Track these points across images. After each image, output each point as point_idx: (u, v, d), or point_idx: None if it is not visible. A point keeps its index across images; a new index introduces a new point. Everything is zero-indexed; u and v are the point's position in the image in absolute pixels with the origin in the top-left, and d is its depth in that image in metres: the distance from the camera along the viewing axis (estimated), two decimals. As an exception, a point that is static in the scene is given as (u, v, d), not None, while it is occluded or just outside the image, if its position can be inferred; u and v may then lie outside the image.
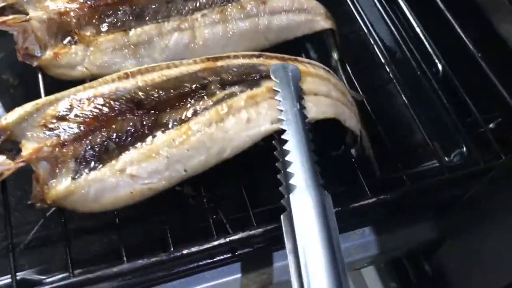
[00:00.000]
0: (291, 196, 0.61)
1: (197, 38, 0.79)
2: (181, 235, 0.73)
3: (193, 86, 0.69)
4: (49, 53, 0.75)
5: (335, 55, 0.88)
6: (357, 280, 1.01)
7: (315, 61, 0.79)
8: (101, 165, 0.63)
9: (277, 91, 0.68)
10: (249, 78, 0.70)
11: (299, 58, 0.78)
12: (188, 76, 0.70)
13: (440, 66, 0.97)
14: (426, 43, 0.97)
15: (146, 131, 0.65)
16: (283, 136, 0.65)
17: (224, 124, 0.66)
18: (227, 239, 0.66)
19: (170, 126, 0.65)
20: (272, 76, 0.70)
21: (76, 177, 0.62)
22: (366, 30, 0.94)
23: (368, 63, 0.97)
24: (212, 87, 0.69)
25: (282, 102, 0.67)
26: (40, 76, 0.76)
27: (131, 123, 0.65)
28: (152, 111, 0.66)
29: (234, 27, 0.80)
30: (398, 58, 1.00)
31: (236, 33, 0.81)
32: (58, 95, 0.67)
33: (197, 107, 0.67)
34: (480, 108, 0.87)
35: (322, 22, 0.86)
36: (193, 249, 0.65)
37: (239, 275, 0.75)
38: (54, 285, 0.61)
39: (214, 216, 0.77)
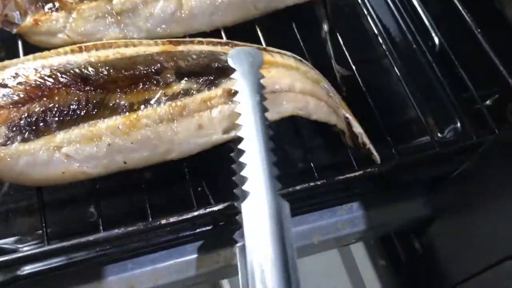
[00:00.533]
0: (243, 205, 0.57)
1: (183, 6, 0.77)
2: (163, 207, 0.73)
3: (147, 70, 0.66)
4: (29, 20, 0.73)
5: (325, 27, 0.85)
6: (346, 256, 1.00)
7: (286, 51, 0.76)
8: (36, 138, 0.60)
9: (235, 91, 0.65)
10: (207, 71, 0.67)
11: (268, 48, 0.75)
12: (143, 58, 0.67)
13: (436, 40, 0.94)
14: (423, 15, 0.95)
15: (91, 111, 0.62)
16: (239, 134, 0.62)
17: (175, 125, 0.63)
18: (208, 210, 0.65)
19: (118, 111, 0.63)
20: (230, 63, 0.66)
21: (7, 143, 0.59)
22: (360, 1, 0.91)
23: (361, 36, 0.94)
24: (168, 75, 0.66)
25: (239, 95, 0.64)
26: (20, 43, 0.74)
27: (76, 99, 0.62)
28: (100, 90, 0.63)
29: (222, -6, 0.78)
30: (393, 30, 0.97)
31: (224, 1, 0.78)
32: (6, 62, 0.65)
33: (150, 97, 0.64)
34: (477, 84, 0.85)
35: (313, -10, 0.83)
36: (172, 219, 0.64)
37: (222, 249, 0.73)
38: (28, 252, 0.60)
39: (199, 189, 0.76)
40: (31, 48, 0.74)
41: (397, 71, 0.83)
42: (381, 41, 0.87)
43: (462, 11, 0.85)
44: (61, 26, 0.73)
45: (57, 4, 0.74)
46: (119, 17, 0.75)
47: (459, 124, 0.88)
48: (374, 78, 0.91)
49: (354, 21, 0.97)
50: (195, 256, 0.73)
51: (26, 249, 0.66)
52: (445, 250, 0.83)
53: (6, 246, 0.69)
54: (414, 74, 0.92)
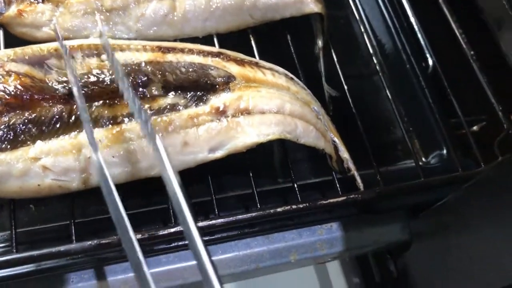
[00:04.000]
0: None
1: (176, 9, 0.74)
2: (141, 217, 0.71)
3: (133, 82, 0.63)
4: (13, 10, 0.69)
5: (319, 42, 0.83)
6: (321, 273, 0.99)
7: (278, 67, 0.74)
8: (13, 148, 0.57)
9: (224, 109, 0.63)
10: (196, 86, 0.65)
11: (260, 62, 0.73)
12: (130, 67, 0.65)
13: (430, 62, 0.93)
14: (419, 35, 0.94)
15: (73, 122, 0.60)
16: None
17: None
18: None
19: (100, 123, 0.60)
20: None
21: None
22: (357, 16, 0.89)
23: (355, 52, 0.92)
24: (153, 88, 0.64)
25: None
26: (1, 34, 0.71)
27: (58, 111, 0.60)
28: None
29: (217, 0, 0.75)
30: (388, 49, 0.96)
31: (220, 7, 0.76)
32: None
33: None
34: (466, 109, 0.84)
35: (312, 4, 0.81)
36: (147, 235, 0.61)
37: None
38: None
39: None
40: (14, 39, 0.71)
41: (387, 90, 0.82)
42: (374, 59, 0.85)
43: (458, 35, 0.84)
44: (47, 19, 0.70)
45: (44, -5, 0.70)
46: (108, 15, 0.72)
47: (445, 151, 0.88)
48: (363, 95, 0.90)
49: (349, 35, 0.95)
50: (170, 267, 0.71)
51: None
52: (419, 276, 0.83)
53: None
54: (404, 94, 0.91)
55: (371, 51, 0.85)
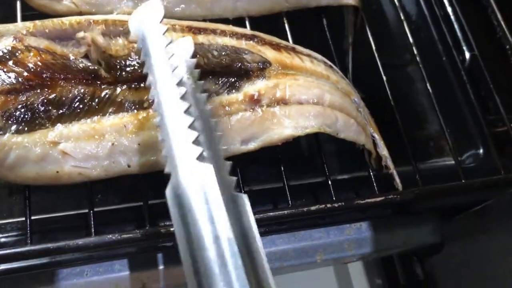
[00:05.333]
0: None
1: (207, -16, 0.69)
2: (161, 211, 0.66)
3: None
4: (32, -21, 0.64)
5: (350, 38, 0.78)
6: (341, 272, 0.95)
7: (316, 54, 0.69)
8: (32, 130, 0.52)
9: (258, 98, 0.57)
10: (229, 71, 0.60)
11: (297, 48, 0.68)
12: None
13: (467, 55, 0.88)
14: (456, 26, 0.88)
15: (95, 105, 0.55)
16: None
17: None
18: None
19: (125, 108, 0.56)
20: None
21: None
22: (392, 3, 0.83)
23: (386, 41, 0.87)
24: None
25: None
26: (18, 6, 0.66)
27: (80, 92, 0.55)
28: (108, 84, 0.56)
29: (251, -21, 0.70)
30: (424, 39, 0.90)
31: (253, -13, 0.71)
32: (1, 28, 0.56)
33: None
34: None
35: (351, -4, 0.75)
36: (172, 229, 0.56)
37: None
38: (8, 251, 0.53)
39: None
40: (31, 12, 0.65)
41: (427, 82, 0.76)
42: (410, 49, 0.79)
43: (504, 27, 0.79)
44: (68, -9, 0.65)
45: (66, -35, 0.65)
46: (134, -11, 0.67)
47: (481, 150, 0.83)
48: (397, 87, 0.85)
49: (381, 23, 0.90)
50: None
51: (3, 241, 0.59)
52: (448, 281, 0.79)
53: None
54: (438, 87, 0.86)
55: (410, 40, 0.80)
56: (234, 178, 0.44)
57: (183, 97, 0.47)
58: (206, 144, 0.45)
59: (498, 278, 0.69)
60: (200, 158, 0.44)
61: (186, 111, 0.46)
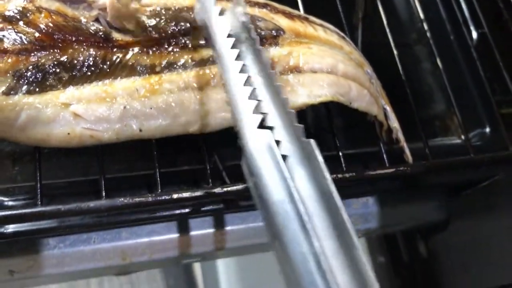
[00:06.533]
0: None
1: None
2: (170, 176, 0.65)
3: (174, 29, 0.58)
4: None
5: (360, 13, 0.77)
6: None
7: (329, 24, 0.68)
8: (43, 90, 0.51)
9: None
10: None
11: (310, 17, 0.67)
12: (170, 12, 0.58)
13: (475, 34, 0.88)
14: (463, 4, 0.88)
15: (107, 68, 0.54)
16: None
17: (201, 95, 0.56)
18: (224, 190, 0.57)
19: (137, 71, 0.55)
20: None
21: (10, 93, 0.50)
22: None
23: (393, 19, 0.86)
24: (196, 37, 0.58)
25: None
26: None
27: (92, 54, 0.54)
28: (120, 47, 0.55)
29: None
30: (431, 17, 0.90)
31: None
32: None
33: (175, 60, 0.56)
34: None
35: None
36: (185, 195, 0.56)
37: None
38: (20, 211, 0.52)
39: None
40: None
41: (438, 60, 0.76)
42: (417, 27, 0.79)
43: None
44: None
45: None
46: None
47: (487, 129, 0.83)
48: (403, 67, 0.84)
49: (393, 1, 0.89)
50: (196, 233, 0.67)
51: (13, 205, 0.59)
52: (454, 258, 0.79)
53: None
54: (446, 66, 0.85)
55: (420, 16, 0.79)
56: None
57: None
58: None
59: (504, 255, 0.69)
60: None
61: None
